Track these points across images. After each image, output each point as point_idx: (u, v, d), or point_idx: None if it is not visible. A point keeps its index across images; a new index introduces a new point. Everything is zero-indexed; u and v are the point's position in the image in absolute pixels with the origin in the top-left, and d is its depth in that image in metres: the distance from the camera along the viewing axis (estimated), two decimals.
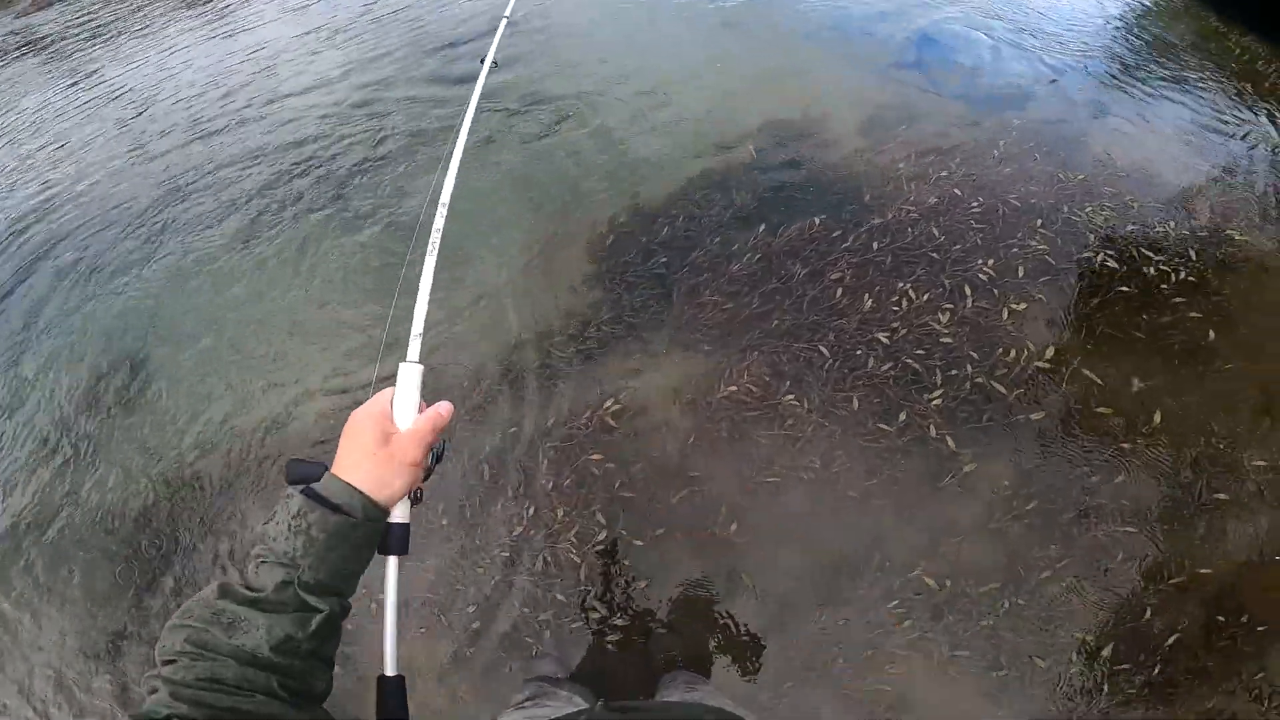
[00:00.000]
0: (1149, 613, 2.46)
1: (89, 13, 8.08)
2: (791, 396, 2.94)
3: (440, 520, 2.84)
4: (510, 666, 2.55)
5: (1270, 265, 3.32)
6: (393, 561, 0.83)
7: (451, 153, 1.33)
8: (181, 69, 6.29)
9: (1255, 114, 4.16)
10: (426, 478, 0.87)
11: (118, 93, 6.18)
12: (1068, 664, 2.42)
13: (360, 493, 0.76)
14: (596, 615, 2.61)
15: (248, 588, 0.70)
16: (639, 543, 2.71)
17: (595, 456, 2.89)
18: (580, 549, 2.72)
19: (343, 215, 4.13)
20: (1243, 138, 4.00)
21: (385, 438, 0.81)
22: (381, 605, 0.82)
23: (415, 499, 0.86)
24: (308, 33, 6.27)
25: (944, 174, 3.67)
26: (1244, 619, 2.45)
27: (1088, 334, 3.04)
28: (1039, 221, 3.41)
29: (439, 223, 1.14)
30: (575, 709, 1.48)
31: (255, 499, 3.02)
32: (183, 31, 7.03)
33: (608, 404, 3.02)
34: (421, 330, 0.97)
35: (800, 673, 2.47)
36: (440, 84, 5.12)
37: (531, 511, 2.81)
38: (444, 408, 0.87)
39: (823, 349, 3.05)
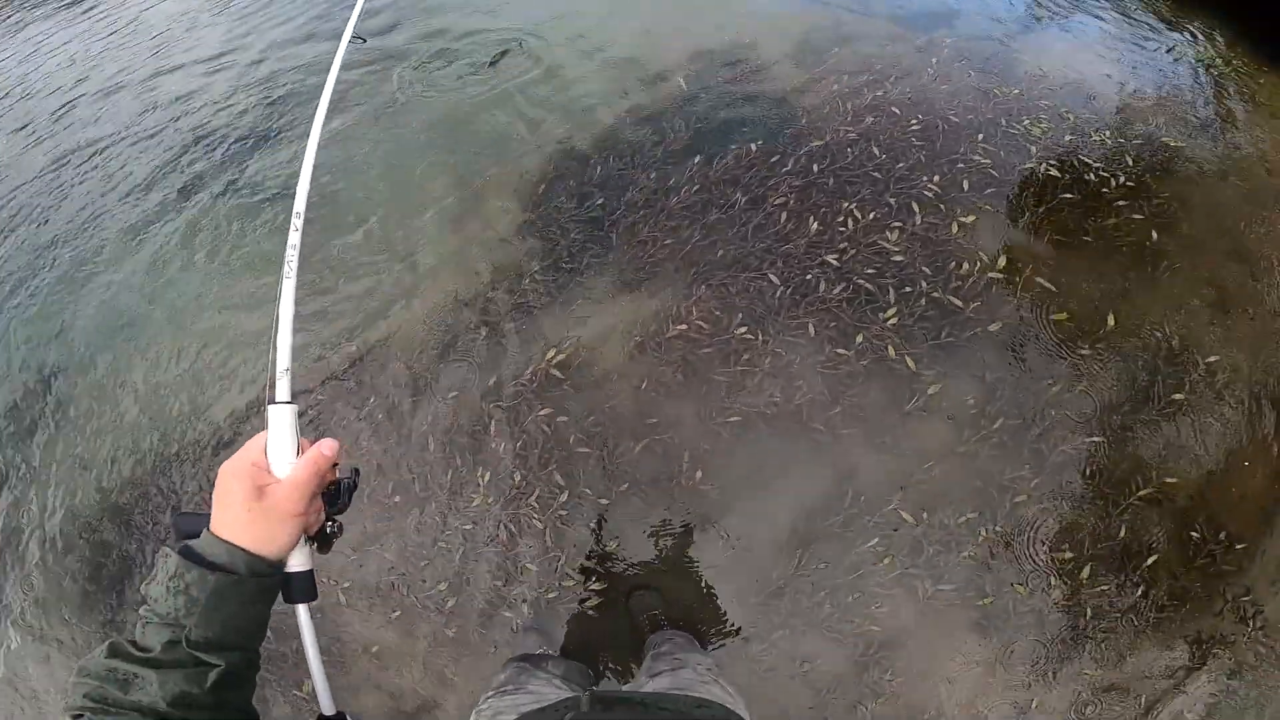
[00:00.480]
0: (1124, 531, 2.45)
1: None
2: (744, 329, 2.82)
3: (392, 499, 2.68)
4: (495, 644, 2.46)
5: (1205, 168, 3.36)
6: (302, 609, 0.80)
7: (305, 152, 1.12)
8: (52, 54, 5.79)
9: (1177, 30, 4.22)
10: (340, 512, 0.84)
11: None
12: (1048, 588, 2.40)
13: (241, 550, 0.72)
14: (571, 581, 2.50)
15: (136, 646, 0.68)
16: (604, 501, 2.59)
17: (545, 412, 2.73)
18: (543, 513, 2.59)
19: (243, 199, 3.81)
20: (1168, 51, 4.05)
21: (258, 492, 0.74)
22: (304, 650, 0.80)
23: (328, 536, 0.83)
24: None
25: (880, 94, 3.58)
26: (1221, 536, 2.46)
27: (1037, 240, 3.00)
28: (980, 136, 3.35)
29: (294, 239, 0.97)
30: (557, 694, 1.41)
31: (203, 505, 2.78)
32: (46, 16, 6.49)
33: (550, 355, 2.85)
34: (289, 365, 0.85)
35: (787, 620, 2.41)
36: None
37: (486, 478, 2.66)
38: (326, 446, 0.79)
39: (772, 277, 2.93)
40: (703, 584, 2.47)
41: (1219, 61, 4.03)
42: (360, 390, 2.92)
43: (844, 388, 2.67)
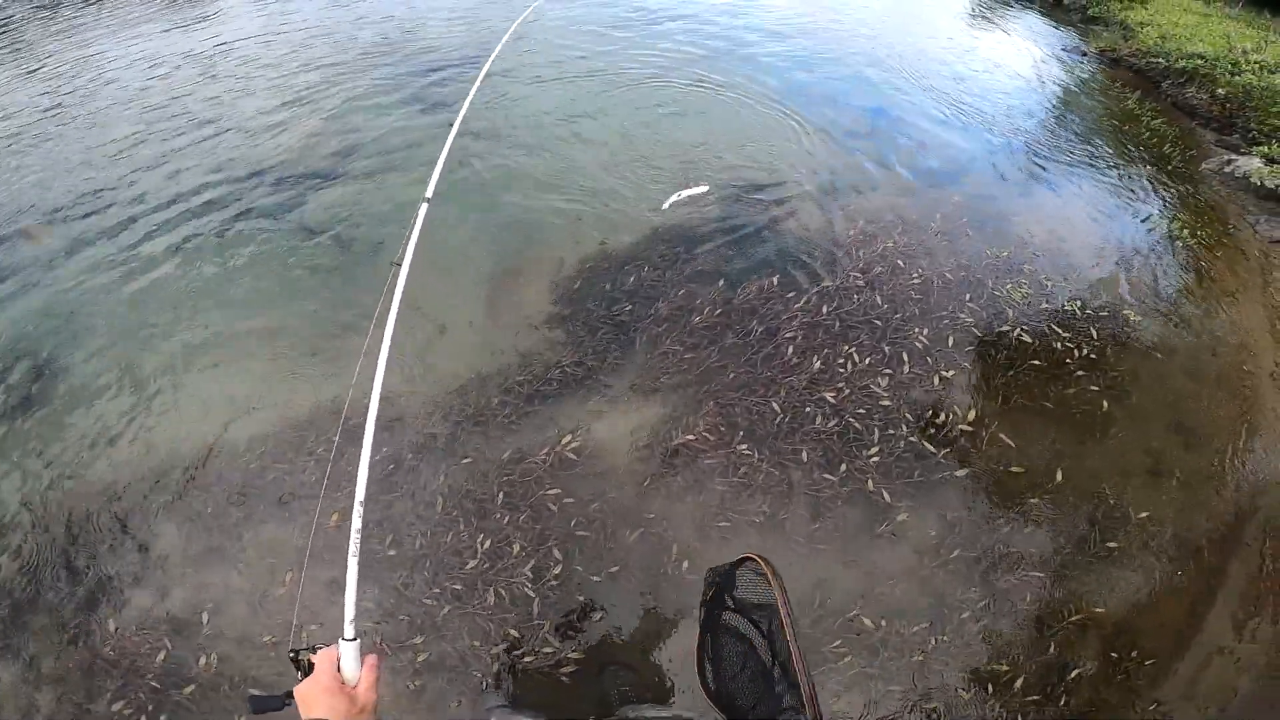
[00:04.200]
0: (1053, 648, 2.74)
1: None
2: (745, 446, 3.13)
3: (387, 551, 2.82)
4: (459, 700, 2.55)
5: (1157, 345, 3.78)
6: None
7: (362, 446, 1.48)
8: (152, 66, 6.05)
9: (1155, 197, 4.73)
10: None
11: (75, 88, 5.90)
12: (986, 696, 2.65)
13: None
14: (549, 649, 2.64)
15: None
16: (595, 579, 2.79)
17: (553, 492, 2.97)
18: (536, 584, 2.76)
19: (300, 243, 4.08)
20: (1143, 221, 4.53)
21: (350, 698, 1.13)
22: None
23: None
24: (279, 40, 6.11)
25: (889, 244, 3.98)
26: (1133, 654, 2.75)
27: (1004, 401, 3.38)
28: (968, 295, 3.76)
29: (357, 523, 1.34)
30: None
31: (167, 516, 2.97)
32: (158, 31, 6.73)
33: (566, 440, 3.12)
34: (354, 615, 1.24)
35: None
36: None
37: (486, 545, 2.84)
38: (374, 659, 1.20)
39: (774, 405, 3.26)
40: (675, 667, 2.64)
41: (1185, 233, 4.51)
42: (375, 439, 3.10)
43: (825, 509, 2.98)
